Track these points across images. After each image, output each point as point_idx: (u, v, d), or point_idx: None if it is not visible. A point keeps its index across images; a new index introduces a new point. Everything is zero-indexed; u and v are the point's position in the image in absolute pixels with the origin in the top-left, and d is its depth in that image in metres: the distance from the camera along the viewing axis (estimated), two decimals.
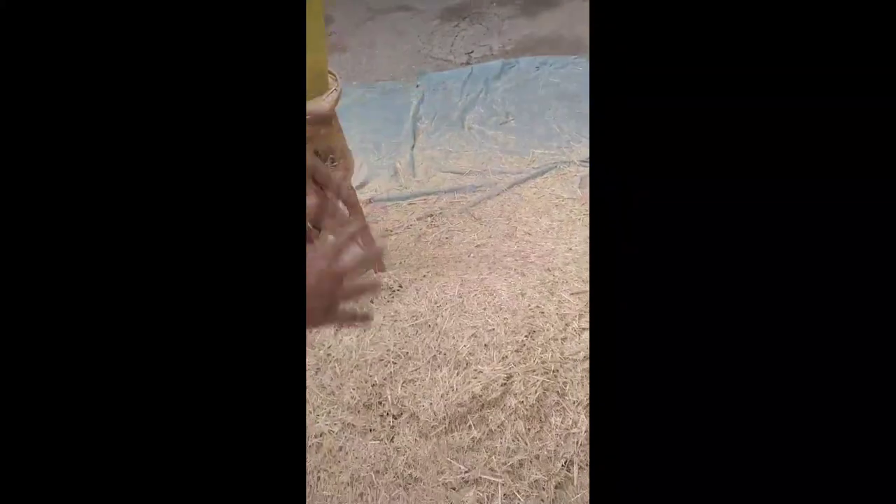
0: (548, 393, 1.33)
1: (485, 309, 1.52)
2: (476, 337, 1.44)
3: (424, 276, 1.81)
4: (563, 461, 1.26)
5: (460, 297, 1.58)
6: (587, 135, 2.64)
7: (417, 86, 3.28)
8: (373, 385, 1.44)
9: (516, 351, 1.38)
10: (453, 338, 1.46)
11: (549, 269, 1.73)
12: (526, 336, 1.42)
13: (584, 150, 2.55)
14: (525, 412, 1.30)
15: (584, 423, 1.30)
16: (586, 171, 2.42)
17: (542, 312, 1.49)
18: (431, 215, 2.35)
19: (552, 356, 1.38)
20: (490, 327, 1.46)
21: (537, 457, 1.27)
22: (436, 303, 1.59)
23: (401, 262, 2.10)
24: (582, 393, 1.34)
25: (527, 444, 1.28)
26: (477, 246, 2.14)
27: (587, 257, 1.89)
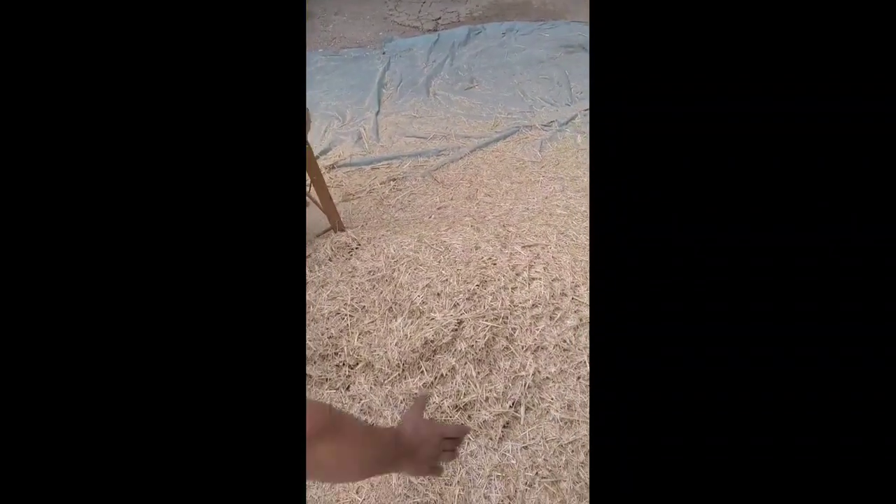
0: (497, 338, 1.37)
1: (439, 262, 1.56)
2: (430, 287, 1.47)
3: (383, 235, 1.84)
4: (510, 402, 1.31)
5: (416, 251, 1.61)
6: (550, 100, 2.67)
7: (383, 52, 3.26)
8: (329, 337, 1.47)
9: (468, 299, 1.42)
10: (408, 289, 1.49)
11: (504, 226, 1.77)
12: (478, 285, 1.46)
13: (546, 115, 2.57)
14: (475, 356, 1.34)
15: (531, 366, 1.35)
16: (548, 134, 2.45)
17: (495, 263, 1.53)
18: (394, 179, 2.37)
19: (502, 304, 1.42)
20: (444, 278, 1.49)
21: (486, 399, 1.32)
22: (393, 258, 1.62)
23: (363, 225, 2.12)
24: (530, 338, 1.38)
25: (476, 387, 1.33)
26: (438, 208, 2.17)
27: (543, 215, 1.93)
